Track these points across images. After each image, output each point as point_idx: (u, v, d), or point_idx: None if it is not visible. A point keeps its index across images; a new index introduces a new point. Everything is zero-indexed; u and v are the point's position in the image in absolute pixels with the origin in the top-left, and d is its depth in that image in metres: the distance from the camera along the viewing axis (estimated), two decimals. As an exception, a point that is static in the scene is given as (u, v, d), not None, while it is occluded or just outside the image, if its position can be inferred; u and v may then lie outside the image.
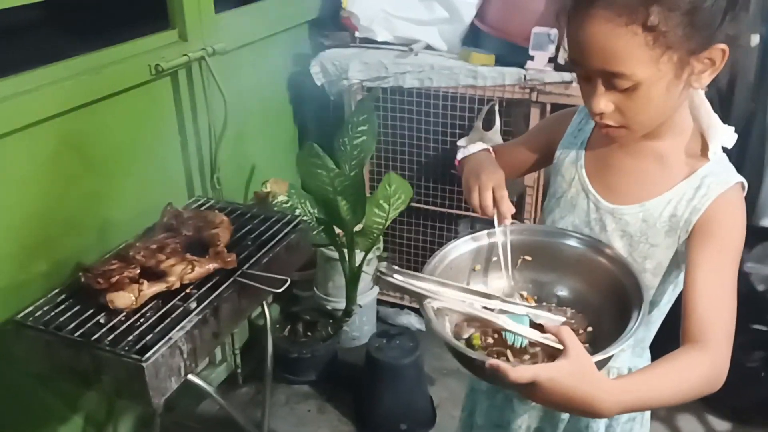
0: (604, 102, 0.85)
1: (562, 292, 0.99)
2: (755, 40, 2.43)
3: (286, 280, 1.34)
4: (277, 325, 2.25)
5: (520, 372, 0.71)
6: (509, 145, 1.21)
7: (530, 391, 0.73)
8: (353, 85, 2.16)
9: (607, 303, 0.93)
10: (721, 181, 0.91)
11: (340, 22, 2.25)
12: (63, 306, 1.26)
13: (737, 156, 2.53)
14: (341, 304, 2.24)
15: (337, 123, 2.24)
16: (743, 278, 1.87)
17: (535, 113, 1.97)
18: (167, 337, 1.16)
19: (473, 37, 2.17)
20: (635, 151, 0.96)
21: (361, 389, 2.07)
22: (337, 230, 1.99)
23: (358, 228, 1.92)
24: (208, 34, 1.84)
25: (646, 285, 0.90)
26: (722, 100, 2.49)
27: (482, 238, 1.01)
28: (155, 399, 1.14)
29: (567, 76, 1.91)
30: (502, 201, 0.99)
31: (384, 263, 0.89)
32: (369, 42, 2.21)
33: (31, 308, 1.25)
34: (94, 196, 1.60)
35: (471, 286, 0.96)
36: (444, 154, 2.22)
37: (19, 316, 1.23)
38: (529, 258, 1.00)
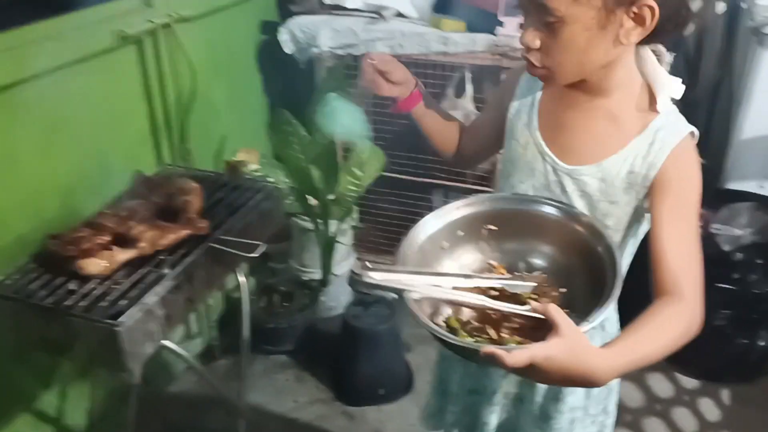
0: (532, 35, 0.88)
1: (532, 257, 0.98)
2: (721, 7, 2.46)
3: (259, 245, 1.33)
4: (254, 297, 2.25)
5: (516, 357, 0.71)
6: (475, 122, 1.21)
7: (528, 372, 0.74)
8: (323, 52, 2.13)
9: (577, 264, 0.93)
10: (673, 133, 0.92)
11: (309, -11, 2.22)
12: (33, 275, 1.24)
13: (705, 121, 2.58)
14: (317, 275, 2.25)
15: (307, 91, 2.22)
16: (709, 239, 1.92)
17: (506, 79, 1.97)
18: (141, 302, 1.15)
19: (443, 4, 2.16)
20: (586, 110, 0.96)
21: (339, 357, 2.08)
22: (311, 200, 1.99)
23: (331, 197, 1.92)
24: (173, 0, 1.80)
25: (617, 245, 0.92)
26: (690, 67, 2.53)
27: (445, 213, 0.99)
28: (131, 365, 1.13)
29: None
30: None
31: (357, 263, 0.88)
32: (338, 9, 2.18)
33: (0, 277, 1.22)
34: (59, 165, 1.57)
35: (445, 269, 0.96)
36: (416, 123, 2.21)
37: (-13, 285, 1.20)
38: (494, 227, 0.99)
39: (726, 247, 1.93)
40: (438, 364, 1.27)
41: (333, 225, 2.01)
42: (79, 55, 1.56)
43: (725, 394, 2.03)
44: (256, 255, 1.32)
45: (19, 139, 1.46)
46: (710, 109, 2.55)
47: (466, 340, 0.84)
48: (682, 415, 1.97)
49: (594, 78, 0.92)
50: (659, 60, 0.97)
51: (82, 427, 1.81)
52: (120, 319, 1.11)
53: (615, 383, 1.15)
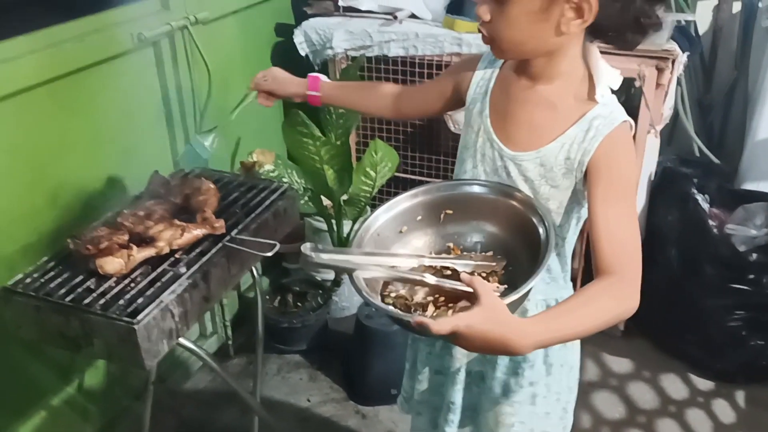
0: (483, 9, 0.94)
1: (480, 238, 1.05)
2: (737, 6, 2.45)
3: (275, 245, 1.34)
4: (267, 297, 2.26)
5: (441, 324, 0.79)
6: (419, 86, 1.28)
7: (453, 339, 0.81)
8: (338, 54, 2.15)
9: (520, 243, 1.00)
10: (607, 122, 0.97)
11: (324, -9, 2.24)
12: (52, 273, 1.26)
13: (720, 122, 2.56)
14: (330, 275, 2.26)
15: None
16: (724, 240, 1.91)
17: (519, 80, 1.97)
18: (158, 300, 1.17)
19: (457, 6, 2.16)
20: (528, 98, 1.02)
21: (352, 357, 2.09)
22: (325, 201, 2.00)
23: (345, 197, 1.93)
24: (190, 3, 1.82)
25: (552, 223, 0.97)
26: (705, 68, 2.52)
27: (402, 201, 1.08)
28: (147, 361, 1.15)
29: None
30: None
31: (308, 244, 0.92)
32: (353, 11, 2.20)
33: (20, 276, 1.25)
34: (78, 166, 1.60)
35: (398, 250, 1.04)
36: (429, 124, 2.22)
37: (9, 283, 1.23)
38: (450, 212, 1.06)
39: (741, 248, 1.92)
40: (409, 347, 1.34)
41: (346, 225, 2.02)
42: (98, 58, 1.58)
43: (740, 396, 2.02)
44: (272, 254, 1.33)
45: (39, 140, 1.49)
46: (725, 110, 2.54)
47: (397, 311, 0.91)
48: (696, 416, 1.96)
49: (537, 63, 0.98)
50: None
51: (99, 423, 1.84)
52: (137, 317, 1.12)
53: (575, 360, 1.20)
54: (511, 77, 1.04)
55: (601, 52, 1.78)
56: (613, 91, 1.01)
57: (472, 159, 1.09)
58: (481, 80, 1.09)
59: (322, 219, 2.17)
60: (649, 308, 2.14)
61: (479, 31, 0.98)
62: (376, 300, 0.93)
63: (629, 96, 2.60)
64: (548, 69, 0.98)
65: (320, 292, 2.26)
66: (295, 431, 1.90)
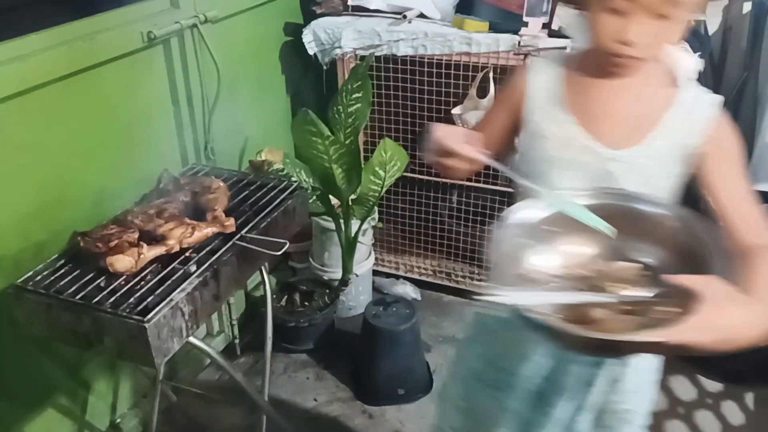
0: (642, 31, 0.88)
1: (648, 259, 0.93)
2: (747, 7, 2.43)
3: (285, 243, 1.34)
4: (274, 296, 2.26)
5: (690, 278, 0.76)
6: (485, 134, 1.09)
7: (696, 308, 0.73)
8: (346, 53, 2.15)
9: (679, 259, 0.90)
10: (706, 102, 0.97)
11: (332, -10, 2.24)
12: (62, 271, 1.26)
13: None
14: (337, 275, 2.26)
15: (330, 92, 2.24)
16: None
17: (529, 79, 1.97)
18: (168, 299, 1.17)
19: (466, 5, 2.16)
20: (621, 94, 0.98)
21: (359, 356, 2.09)
22: (333, 200, 2.00)
23: (353, 196, 1.93)
24: (200, 1, 1.82)
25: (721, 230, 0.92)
26: (714, 68, 2.50)
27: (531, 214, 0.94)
28: (157, 359, 1.15)
29: (561, 41, 1.91)
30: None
31: (484, 287, 0.82)
32: (361, 10, 2.20)
33: (30, 273, 1.25)
34: (88, 164, 1.60)
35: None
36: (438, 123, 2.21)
37: (19, 280, 1.23)
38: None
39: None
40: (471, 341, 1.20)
41: (354, 225, 2.02)
42: (108, 56, 1.59)
43: (749, 398, 2.01)
44: (281, 253, 1.33)
45: (49, 138, 1.49)
46: (734, 110, 2.52)
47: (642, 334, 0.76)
48: (705, 418, 1.95)
49: (637, 60, 0.94)
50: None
51: (107, 421, 1.84)
52: (148, 316, 1.12)
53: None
54: (589, 76, 0.99)
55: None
56: None
57: (558, 171, 1.01)
58: (541, 90, 1.03)
59: (329, 218, 2.17)
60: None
61: (617, 51, 0.91)
62: (593, 333, 0.77)
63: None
64: (642, 62, 0.94)
65: (327, 291, 2.26)
66: (302, 430, 1.89)
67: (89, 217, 1.56)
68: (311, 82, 2.34)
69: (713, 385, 2.05)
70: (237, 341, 2.20)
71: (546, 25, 1.95)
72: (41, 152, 1.48)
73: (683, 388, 2.05)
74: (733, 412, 1.96)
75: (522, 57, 1.95)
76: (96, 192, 1.61)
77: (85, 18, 1.57)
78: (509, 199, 2.21)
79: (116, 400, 1.86)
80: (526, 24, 1.95)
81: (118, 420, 1.87)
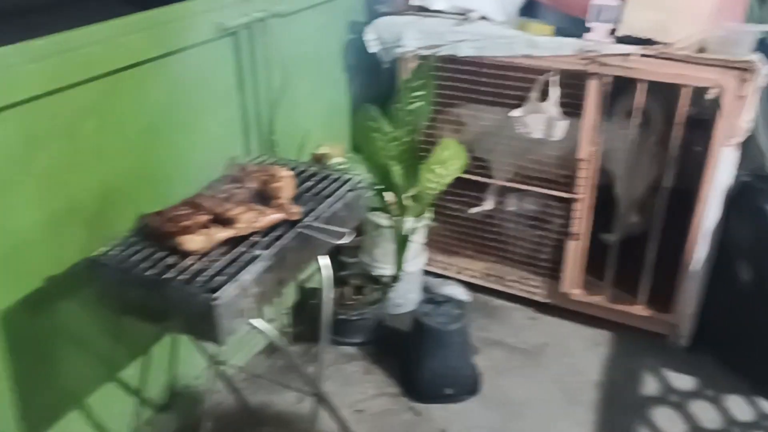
0: None
1: None
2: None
3: (347, 233, 1.37)
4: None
5: None
6: None
7: None
8: (408, 52, 2.16)
9: None
10: None
11: (396, -10, 2.26)
12: (135, 248, 1.31)
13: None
14: (387, 271, 2.28)
15: (389, 91, 2.26)
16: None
17: (593, 85, 1.95)
18: (236, 279, 1.20)
19: (529, 9, 2.16)
20: None
21: (408, 353, 2.10)
22: (390, 196, 2.01)
23: (410, 194, 1.94)
24: (270, -5, 1.87)
25: None
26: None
27: None
28: (223, 337, 1.18)
29: (627, 48, 1.89)
30: None
31: None
32: (424, 10, 2.21)
33: (104, 249, 1.30)
34: (157, 149, 1.65)
35: None
36: (497, 125, 2.21)
37: (94, 254, 1.28)
38: None
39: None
40: None
41: (408, 222, 2.03)
42: (182, 44, 1.64)
43: (810, 422, 1.94)
44: (345, 242, 1.35)
45: (121, 123, 1.55)
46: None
47: None
48: (761, 439, 1.89)
49: None
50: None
51: (161, 400, 1.89)
52: (217, 294, 1.16)
53: None
54: None
55: (680, 61, 1.73)
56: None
57: None
58: None
59: (383, 214, 2.19)
60: (717, 325, 2.10)
61: None
62: None
63: (702, 106, 2.54)
64: None
65: (377, 287, 2.28)
66: (350, 422, 1.91)
67: (157, 199, 1.62)
68: (370, 79, 2.37)
69: (771, 406, 1.99)
70: (289, 330, 2.24)
71: (612, 32, 1.93)
72: (112, 136, 1.53)
73: (739, 408, 1.99)
74: (791, 434, 1.90)
75: (587, 62, 1.93)
76: (164, 176, 1.66)
77: (162, 7, 1.63)
78: (567, 204, 2.19)
79: (171, 379, 1.91)
80: (591, 29, 1.94)
81: (173, 398, 1.92)
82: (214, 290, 1.17)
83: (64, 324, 1.51)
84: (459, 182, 2.24)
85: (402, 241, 2.06)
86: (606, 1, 1.89)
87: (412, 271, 2.32)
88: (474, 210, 2.40)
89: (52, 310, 1.47)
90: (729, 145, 1.89)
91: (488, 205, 2.43)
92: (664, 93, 1.98)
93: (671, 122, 1.96)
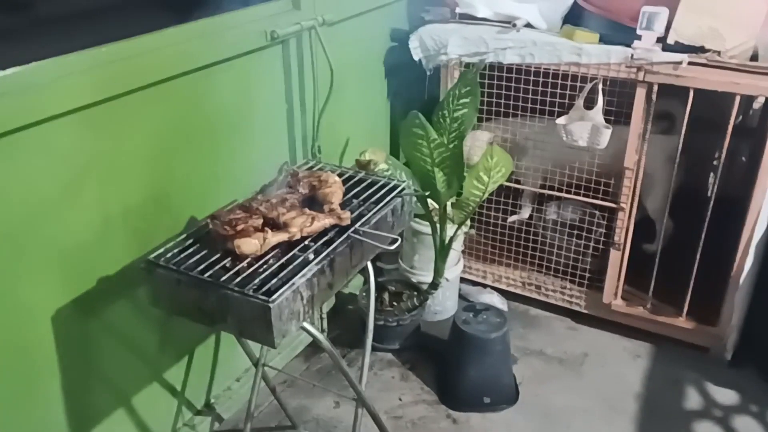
0: None
1: None
2: None
3: (397, 238, 1.38)
4: (363, 294, 2.30)
5: None
6: None
7: None
8: (451, 59, 2.17)
9: None
10: None
11: (440, -2, 2.28)
12: (190, 250, 1.33)
13: None
14: (425, 278, 2.27)
15: (431, 98, 2.27)
16: None
17: (640, 93, 1.93)
18: (290, 283, 1.22)
19: (575, 17, 2.15)
20: None
21: (446, 360, 2.10)
22: (432, 203, 2.02)
23: (452, 200, 1.94)
24: (319, 4, 1.89)
25: None
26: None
27: None
28: (277, 339, 1.20)
29: (676, 56, 1.87)
30: None
31: None
32: (468, 18, 2.22)
33: (161, 251, 1.33)
34: (205, 154, 1.68)
35: None
36: (542, 132, 2.20)
37: (152, 256, 1.31)
38: None
39: None
40: None
41: (449, 229, 2.03)
42: (235, 52, 1.67)
43: None
44: (393, 248, 1.36)
45: (175, 127, 1.58)
46: None
47: None
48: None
49: None
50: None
51: (203, 400, 1.92)
52: (273, 297, 1.17)
53: None
54: None
55: (732, 69, 1.70)
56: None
57: None
58: None
59: (422, 221, 2.20)
60: (762, 338, 2.06)
61: None
62: None
63: (746, 114, 2.50)
64: None
65: (416, 293, 2.28)
66: (388, 428, 1.91)
67: (205, 203, 1.65)
68: (413, 87, 2.38)
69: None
70: (325, 334, 2.25)
71: (660, 39, 1.91)
72: (166, 140, 1.56)
73: None
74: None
75: (634, 70, 1.92)
76: (212, 180, 1.70)
77: (215, 15, 1.66)
78: (609, 213, 2.18)
79: (212, 381, 1.94)
80: (638, 37, 1.92)
81: (213, 401, 1.95)
82: (269, 293, 1.18)
83: (114, 325, 1.54)
84: (499, 190, 2.24)
85: (443, 248, 2.05)
86: (655, 9, 1.88)
87: (451, 278, 2.32)
88: (512, 218, 2.39)
89: (103, 310, 1.50)
90: (779, 156, 1.85)
91: (525, 213, 2.42)
92: (702, 100, 1.95)
93: (711, 130, 1.93)
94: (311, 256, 1.30)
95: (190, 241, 1.36)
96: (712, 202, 1.98)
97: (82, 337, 1.48)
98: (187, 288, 1.26)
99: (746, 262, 2.00)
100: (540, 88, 2.09)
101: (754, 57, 1.86)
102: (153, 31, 1.51)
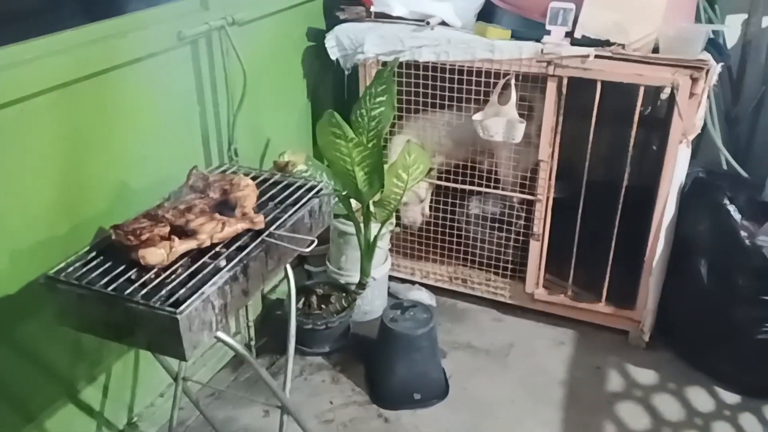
0: None
1: None
2: (766, 21, 2.45)
3: (313, 241, 1.35)
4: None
5: None
6: None
7: None
8: (368, 58, 2.16)
9: None
10: None
11: (355, -3, 2.26)
12: (94, 263, 1.27)
13: (747, 136, 2.56)
14: (354, 278, 2.26)
15: (350, 97, 2.26)
16: (755, 251, 1.90)
17: (551, 87, 1.98)
18: (200, 292, 1.17)
19: (487, 14, 2.18)
20: None
21: (375, 360, 2.09)
22: (354, 203, 2.00)
23: (375, 199, 1.94)
24: (228, 4, 1.84)
25: None
26: (733, 81, 2.52)
27: None
28: (188, 352, 1.15)
29: (584, 50, 1.92)
30: None
31: None
32: (384, 17, 2.22)
33: (62, 265, 1.26)
34: (114, 161, 1.61)
35: None
36: (459, 129, 2.23)
37: (52, 271, 1.24)
38: None
39: (771, 261, 1.91)
40: None
41: (374, 228, 2.02)
42: (139, 54, 1.60)
43: (767, 410, 2.00)
44: (310, 250, 1.34)
45: (78, 133, 1.51)
46: (753, 123, 2.54)
47: None
48: (722, 430, 1.93)
49: None
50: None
51: (124, 419, 1.84)
52: (180, 308, 1.13)
53: None
54: None
55: (636, 61, 1.77)
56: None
57: None
58: None
59: (347, 221, 2.18)
60: (676, 319, 2.15)
61: None
62: None
63: (655, 105, 2.61)
64: None
65: (344, 294, 2.27)
66: (319, 432, 1.89)
67: (114, 212, 1.58)
68: (332, 86, 2.37)
69: (731, 397, 2.05)
70: (253, 343, 2.20)
71: (569, 34, 1.96)
72: (70, 147, 1.49)
73: (700, 399, 2.05)
74: (751, 424, 1.95)
75: (544, 64, 1.96)
76: (120, 189, 1.63)
77: (118, 16, 1.60)
78: (527, 206, 2.22)
79: (134, 398, 1.86)
80: (548, 33, 1.97)
81: (135, 419, 1.87)
82: (177, 304, 1.14)
83: (20, 345, 1.45)
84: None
85: (368, 248, 2.04)
86: (563, 4, 1.92)
87: (378, 277, 2.32)
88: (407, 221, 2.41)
89: (8, 331, 1.42)
90: (683, 142, 1.94)
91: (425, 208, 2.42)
92: (615, 92, 2.02)
93: (624, 122, 2.00)
94: (223, 263, 1.26)
95: (94, 253, 1.30)
96: (623, 190, 2.05)
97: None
98: (91, 303, 1.20)
99: (657, 247, 2.08)
100: (456, 85, 2.11)
101: (656, 49, 1.93)
102: (52, 32, 1.43)
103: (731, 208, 1.97)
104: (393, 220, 2.34)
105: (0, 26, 1.45)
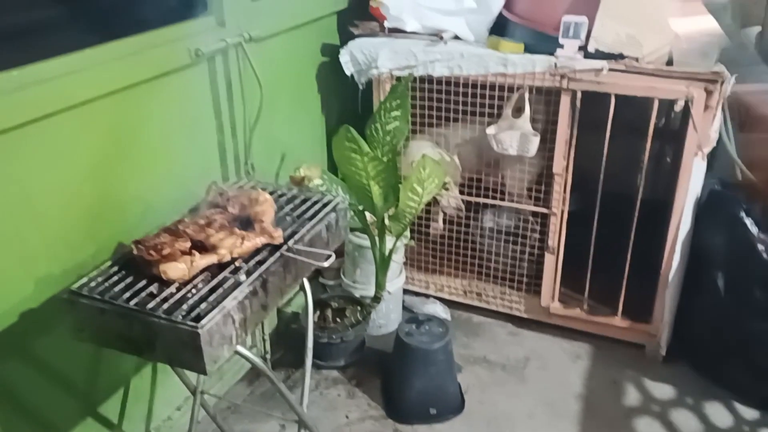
0: None
1: None
2: None
3: (331, 255, 1.36)
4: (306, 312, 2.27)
5: None
6: None
7: None
8: (382, 73, 2.18)
9: None
10: None
11: (369, 13, 2.29)
12: (115, 278, 1.28)
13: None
14: (369, 292, 2.27)
15: (365, 112, 2.27)
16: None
17: (565, 100, 1.99)
18: (221, 306, 1.18)
19: (500, 28, 2.19)
20: None
21: (391, 374, 2.09)
22: (369, 217, 2.01)
23: (390, 212, 1.95)
24: (244, 21, 1.87)
25: None
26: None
27: None
28: (209, 366, 1.16)
29: (597, 63, 1.93)
30: None
31: None
32: (397, 32, 2.24)
33: (84, 280, 1.28)
34: (134, 177, 1.63)
35: None
36: (472, 143, 2.24)
37: (74, 286, 1.25)
38: None
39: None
40: None
41: (389, 241, 2.03)
42: (157, 72, 1.63)
43: (787, 426, 1.98)
44: (327, 264, 1.35)
45: (100, 149, 1.53)
46: (767, 135, 2.52)
47: None
48: (742, 445, 1.92)
49: None
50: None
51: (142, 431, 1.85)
52: (201, 322, 1.14)
53: None
54: None
55: (650, 74, 1.77)
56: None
57: None
58: None
59: (363, 235, 2.19)
60: (693, 332, 2.13)
61: None
62: None
63: (669, 117, 2.60)
64: None
65: (359, 308, 2.27)
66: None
67: (135, 228, 1.59)
68: (346, 101, 2.38)
69: (750, 413, 2.02)
70: (268, 357, 2.21)
71: (582, 48, 1.97)
72: (92, 163, 1.51)
73: (719, 414, 2.02)
74: (771, 438, 1.93)
75: (558, 78, 1.97)
76: (143, 203, 1.64)
77: (136, 35, 1.62)
78: (542, 219, 2.22)
79: (151, 412, 1.87)
80: (561, 46, 1.98)
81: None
82: (198, 318, 1.15)
83: (42, 360, 1.47)
84: (434, 200, 2.26)
85: (383, 261, 2.05)
86: (576, 18, 1.94)
87: (393, 290, 2.32)
88: (431, 230, 2.41)
89: (30, 346, 1.43)
90: (699, 155, 1.93)
91: (439, 222, 2.42)
92: (629, 106, 2.02)
93: (639, 135, 2.00)
94: (242, 278, 1.27)
95: (115, 268, 1.31)
96: (638, 203, 2.04)
97: (5, 375, 1.40)
98: (112, 318, 1.21)
99: (673, 260, 2.07)
100: (470, 99, 2.12)
101: (669, 62, 1.94)
102: (72, 51, 1.46)
103: (748, 221, 1.96)
104: (408, 233, 2.34)
105: (20, 45, 1.47)
